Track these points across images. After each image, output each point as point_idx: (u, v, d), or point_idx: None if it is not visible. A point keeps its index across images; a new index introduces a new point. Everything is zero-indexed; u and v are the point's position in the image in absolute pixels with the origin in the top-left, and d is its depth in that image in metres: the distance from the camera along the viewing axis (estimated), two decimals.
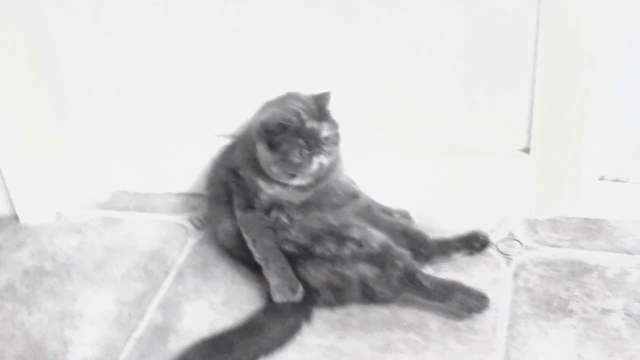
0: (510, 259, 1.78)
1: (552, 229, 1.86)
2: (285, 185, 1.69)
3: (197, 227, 1.97)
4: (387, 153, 1.94)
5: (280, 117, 1.64)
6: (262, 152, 1.67)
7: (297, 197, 1.72)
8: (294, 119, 1.63)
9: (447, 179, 1.93)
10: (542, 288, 1.68)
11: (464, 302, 1.60)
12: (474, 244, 1.78)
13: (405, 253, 1.66)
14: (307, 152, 1.63)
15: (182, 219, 2.02)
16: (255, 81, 1.90)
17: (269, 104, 1.75)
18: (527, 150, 1.84)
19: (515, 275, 1.72)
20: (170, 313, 1.71)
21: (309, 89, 1.74)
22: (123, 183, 2.15)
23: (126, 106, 2.05)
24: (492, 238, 1.81)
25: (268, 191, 1.71)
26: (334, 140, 1.68)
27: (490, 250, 1.79)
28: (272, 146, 1.65)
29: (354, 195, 1.82)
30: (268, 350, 1.57)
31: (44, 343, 1.67)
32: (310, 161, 1.64)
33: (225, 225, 1.79)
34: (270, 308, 1.65)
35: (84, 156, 2.13)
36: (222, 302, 1.73)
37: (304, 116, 1.63)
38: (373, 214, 1.80)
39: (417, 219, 1.87)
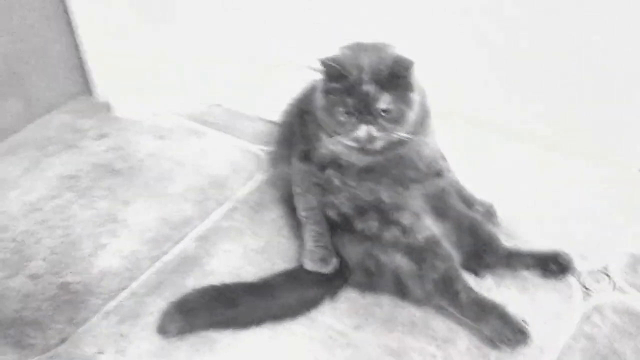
0: (590, 295, 1.54)
1: None
2: (347, 145, 1.58)
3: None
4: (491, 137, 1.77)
5: (342, 62, 1.47)
6: (319, 92, 1.55)
7: (360, 160, 1.57)
8: (354, 72, 1.46)
9: (552, 181, 1.71)
10: (607, 341, 1.44)
11: (497, 331, 1.42)
12: (550, 266, 1.56)
13: (453, 256, 1.50)
14: (354, 115, 1.47)
15: (259, 149, 2.00)
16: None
17: (358, 46, 1.57)
18: None
19: (586, 316, 1.49)
20: (205, 247, 1.71)
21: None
22: (220, 97, 2.17)
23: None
24: (580, 265, 1.58)
25: (329, 146, 1.58)
26: (396, 117, 1.48)
27: (571, 277, 1.58)
28: (327, 90, 1.51)
29: (437, 174, 1.65)
30: (275, 318, 1.52)
31: (80, 242, 1.74)
32: (355, 126, 1.48)
33: (282, 170, 1.72)
34: (295, 273, 1.58)
35: (189, 65, 2.16)
36: (257, 250, 1.70)
37: (365, 76, 1.46)
38: (445, 200, 1.63)
39: (502, 218, 1.69)
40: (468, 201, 1.69)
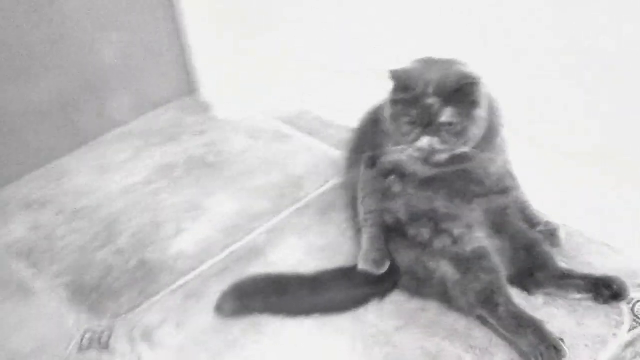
0: (638, 325, 1.54)
1: None
2: (412, 155, 1.65)
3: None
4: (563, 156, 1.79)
5: (410, 74, 1.55)
6: (388, 102, 1.63)
7: (423, 171, 1.64)
8: (420, 85, 1.53)
9: (623, 208, 1.71)
10: None
11: (533, 346, 1.44)
12: (602, 291, 1.56)
13: (499, 270, 1.53)
14: (417, 126, 1.54)
15: (339, 155, 2.08)
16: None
17: (428, 60, 1.64)
18: None
19: (629, 343, 1.49)
20: (272, 240, 1.84)
21: None
22: (311, 104, 2.31)
23: None
24: (636, 294, 1.58)
25: (394, 155, 1.65)
26: (459, 131, 1.52)
27: (623, 305, 1.57)
28: (394, 100, 1.59)
29: (502, 191, 1.69)
30: (323, 311, 1.61)
31: (164, 224, 1.93)
32: (418, 137, 1.54)
33: (353, 175, 1.81)
34: (349, 271, 1.66)
35: (285, 71, 2.32)
36: (320, 247, 1.80)
37: (430, 89, 1.52)
38: (505, 217, 1.66)
39: (564, 240, 1.69)
40: (531, 220, 1.71)
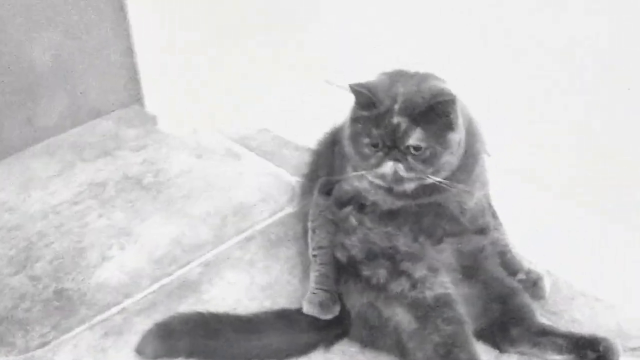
0: None
1: None
2: (374, 184, 1.42)
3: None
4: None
5: (373, 88, 1.36)
6: (347, 120, 1.43)
7: (386, 202, 1.43)
8: (385, 101, 1.34)
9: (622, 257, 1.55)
10: None
11: None
12: (586, 352, 1.35)
13: (464, 321, 1.33)
14: (379, 149, 1.34)
15: (296, 180, 1.87)
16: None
17: (397, 73, 1.44)
18: None
19: None
20: (209, 274, 1.64)
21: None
22: (270, 122, 2.12)
23: None
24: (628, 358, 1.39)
25: (354, 182, 1.46)
26: (429, 157, 1.33)
27: None
28: (355, 119, 1.39)
29: (480, 230, 1.49)
30: (258, 358, 1.41)
31: (88, 251, 1.72)
32: (381, 161, 1.35)
33: (306, 203, 1.60)
34: (291, 314, 1.47)
35: (247, 82, 2.13)
36: (263, 286, 1.60)
37: (397, 107, 1.33)
38: (480, 260, 1.47)
39: (551, 291, 1.52)
40: (511, 267, 1.52)
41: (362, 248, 1.44)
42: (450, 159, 1.36)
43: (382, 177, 1.36)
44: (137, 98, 2.24)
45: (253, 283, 1.62)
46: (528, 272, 1.52)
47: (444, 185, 1.37)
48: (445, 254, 1.45)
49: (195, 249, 1.72)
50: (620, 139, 1.63)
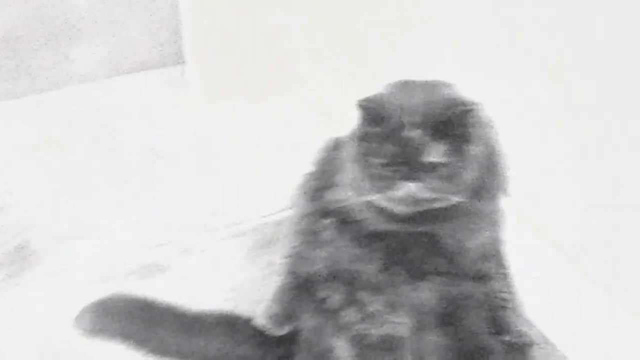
0: None
1: None
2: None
3: None
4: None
5: (384, 103, 1.23)
6: (352, 139, 1.29)
7: (373, 223, 1.30)
8: (396, 114, 1.20)
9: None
10: None
11: None
12: None
13: None
14: (394, 168, 1.20)
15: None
16: None
17: (405, 84, 1.31)
18: None
19: None
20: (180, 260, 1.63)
21: None
22: None
23: None
24: None
25: (347, 193, 1.32)
26: (452, 174, 1.19)
27: None
28: (362, 137, 1.25)
29: (479, 277, 1.34)
30: (191, 358, 1.39)
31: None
32: (393, 182, 1.20)
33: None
34: (242, 322, 1.41)
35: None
36: (230, 287, 1.58)
37: (412, 119, 1.19)
38: (462, 309, 1.32)
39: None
40: (501, 324, 1.36)
41: (325, 265, 1.33)
42: (470, 175, 1.22)
43: (398, 200, 1.22)
44: (177, 59, 2.23)
45: (221, 281, 1.57)
46: (518, 335, 1.36)
47: (455, 210, 1.23)
48: (423, 293, 1.30)
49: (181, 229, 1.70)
50: None
